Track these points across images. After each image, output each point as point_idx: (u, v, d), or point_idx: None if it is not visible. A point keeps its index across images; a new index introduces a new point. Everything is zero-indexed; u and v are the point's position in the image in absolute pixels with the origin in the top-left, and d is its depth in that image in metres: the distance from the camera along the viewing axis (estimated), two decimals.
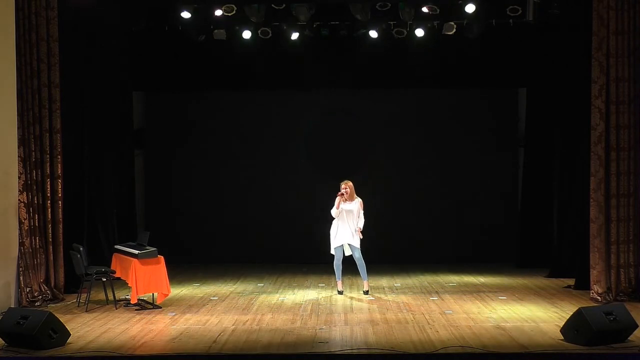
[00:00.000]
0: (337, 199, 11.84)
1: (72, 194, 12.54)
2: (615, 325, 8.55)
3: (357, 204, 11.87)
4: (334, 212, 11.91)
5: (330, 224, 12.05)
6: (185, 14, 13.59)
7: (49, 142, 11.54)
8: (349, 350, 8.42)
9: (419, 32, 14.07)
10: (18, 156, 11.10)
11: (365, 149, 15.80)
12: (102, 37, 13.61)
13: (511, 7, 13.42)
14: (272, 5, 13.36)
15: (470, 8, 13.28)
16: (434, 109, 15.84)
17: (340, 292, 12.12)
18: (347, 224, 11.88)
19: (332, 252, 12.09)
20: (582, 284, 11.92)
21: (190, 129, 16.01)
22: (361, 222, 11.88)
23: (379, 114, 15.90)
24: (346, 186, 11.88)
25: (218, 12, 13.57)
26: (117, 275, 11.33)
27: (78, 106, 12.97)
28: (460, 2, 13.30)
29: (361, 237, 11.92)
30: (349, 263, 12.23)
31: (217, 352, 8.40)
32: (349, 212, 11.86)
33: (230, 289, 12.66)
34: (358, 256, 11.94)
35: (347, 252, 12.06)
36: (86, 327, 9.64)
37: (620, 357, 8.25)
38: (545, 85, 14.59)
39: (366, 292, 12.07)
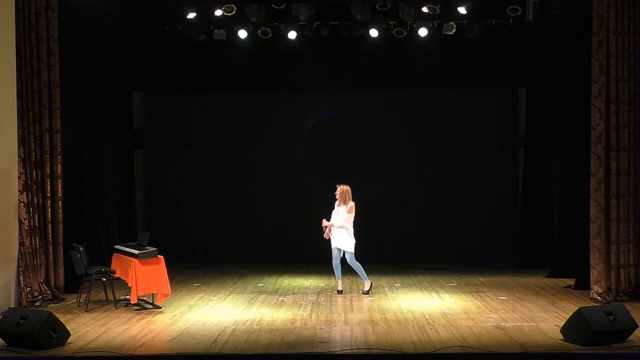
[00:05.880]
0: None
1: (72, 194, 12.54)
2: (615, 325, 8.55)
3: (343, 209, 11.85)
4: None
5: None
6: (190, 15, 13.61)
7: (49, 142, 11.55)
8: (349, 350, 8.42)
9: (421, 32, 14.06)
10: (18, 156, 11.10)
11: (365, 148, 15.80)
12: (102, 37, 13.62)
13: (511, 7, 13.42)
14: (272, 5, 13.36)
15: (464, 10, 13.33)
16: (434, 109, 15.84)
17: (340, 292, 12.12)
18: (337, 228, 11.89)
19: None
20: (582, 284, 11.92)
21: (190, 129, 16.01)
22: (337, 222, 11.82)
23: (379, 114, 15.90)
24: (340, 189, 11.93)
25: (218, 12, 13.58)
26: (117, 275, 11.32)
27: (78, 106, 12.97)
28: (460, 2, 13.32)
29: (326, 235, 11.93)
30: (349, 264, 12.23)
31: (217, 352, 8.40)
32: (337, 217, 11.89)
33: (230, 289, 12.66)
34: (349, 260, 11.94)
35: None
36: (86, 327, 9.64)
37: (620, 357, 8.25)
38: (545, 85, 14.60)
39: (366, 292, 12.07)
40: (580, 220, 12.31)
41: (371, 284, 12.17)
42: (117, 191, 14.34)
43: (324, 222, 11.98)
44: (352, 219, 11.91)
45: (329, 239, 12.03)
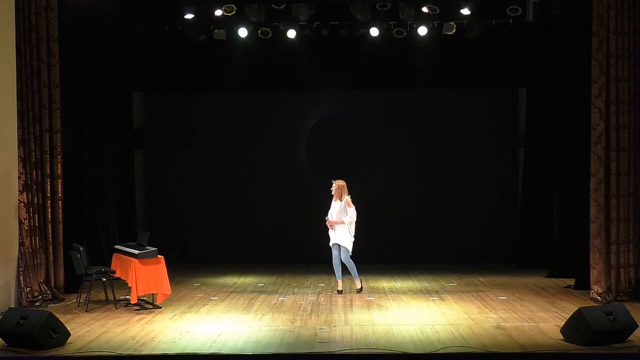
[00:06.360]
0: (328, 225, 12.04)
1: (72, 194, 12.54)
2: (615, 325, 8.55)
3: (342, 203, 11.89)
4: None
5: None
6: (188, 15, 13.63)
7: (49, 142, 11.54)
8: (349, 350, 8.42)
9: (421, 32, 14.08)
10: (18, 156, 11.10)
11: (365, 149, 15.81)
12: (102, 37, 13.62)
13: (511, 7, 13.44)
14: (272, 5, 13.37)
15: (465, 11, 13.34)
16: (434, 109, 15.84)
17: (340, 292, 12.12)
18: (346, 224, 11.90)
19: None
20: (582, 284, 11.92)
21: (190, 129, 16.01)
22: (347, 218, 11.84)
23: (379, 114, 15.91)
24: (335, 184, 11.97)
25: (218, 12, 13.59)
26: (117, 275, 11.32)
27: (78, 106, 12.97)
28: (460, 2, 13.32)
29: (331, 228, 11.93)
30: None
31: (217, 352, 8.40)
32: (337, 212, 11.90)
33: (230, 289, 12.66)
34: (345, 257, 11.95)
35: None
36: (86, 327, 9.64)
37: (620, 357, 8.25)
38: (545, 85, 14.61)
39: (359, 290, 12.09)
40: (580, 220, 12.31)
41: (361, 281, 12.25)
42: (117, 191, 14.34)
43: (330, 221, 11.94)
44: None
45: (329, 236, 12.05)
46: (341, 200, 11.92)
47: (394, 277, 13.80)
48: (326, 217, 12.03)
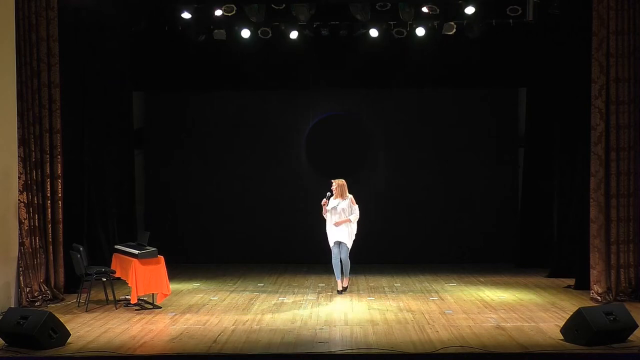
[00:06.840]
0: (323, 206, 11.95)
1: (72, 194, 12.54)
2: (615, 325, 8.55)
3: (347, 201, 11.90)
4: (325, 215, 12.02)
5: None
6: (186, 15, 13.64)
7: (49, 142, 11.55)
8: (349, 350, 8.42)
9: (421, 32, 14.09)
10: (18, 156, 11.10)
11: (364, 149, 15.81)
12: (102, 37, 13.61)
13: (511, 7, 13.45)
14: (272, 5, 13.38)
15: (469, 10, 13.35)
16: (433, 109, 15.84)
17: (340, 292, 12.12)
18: (352, 222, 11.92)
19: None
20: (582, 284, 11.92)
21: (190, 129, 16.01)
22: (353, 216, 11.89)
23: (379, 114, 15.90)
24: (335, 183, 11.96)
25: (218, 12, 13.60)
26: (117, 275, 11.33)
27: (78, 106, 12.97)
28: (460, 2, 13.33)
29: (333, 223, 11.92)
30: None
31: (217, 352, 8.41)
32: (341, 210, 11.90)
33: (230, 289, 12.67)
34: (344, 255, 11.96)
35: None
36: (86, 327, 9.64)
37: (620, 357, 8.25)
38: (545, 85, 14.61)
39: (345, 288, 12.15)
40: (580, 220, 12.31)
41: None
42: (117, 191, 14.33)
43: (338, 221, 11.90)
44: None
45: (327, 236, 12.04)
46: (342, 198, 11.92)
47: (394, 277, 13.79)
48: (325, 199, 11.96)
